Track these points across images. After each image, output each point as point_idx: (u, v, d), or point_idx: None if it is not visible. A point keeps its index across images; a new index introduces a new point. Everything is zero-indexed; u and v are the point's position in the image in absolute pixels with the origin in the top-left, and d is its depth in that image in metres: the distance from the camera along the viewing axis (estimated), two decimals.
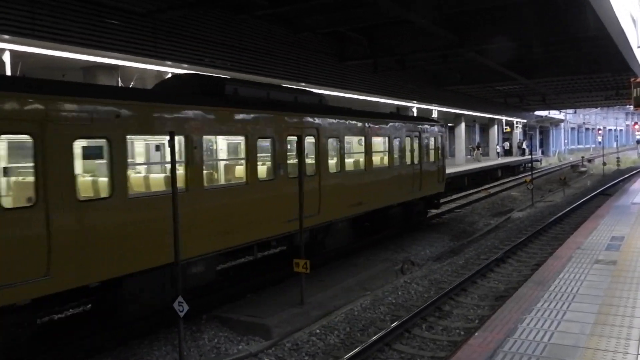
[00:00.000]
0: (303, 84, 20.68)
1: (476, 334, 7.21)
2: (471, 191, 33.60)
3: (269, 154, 11.91)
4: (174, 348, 9.02)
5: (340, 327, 10.43)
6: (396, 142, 17.43)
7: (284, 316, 10.47)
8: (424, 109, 34.94)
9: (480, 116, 50.12)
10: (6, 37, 11.89)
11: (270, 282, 12.75)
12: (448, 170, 33.72)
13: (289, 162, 12.27)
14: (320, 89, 22.37)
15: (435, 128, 20.77)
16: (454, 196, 30.88)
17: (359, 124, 15.40)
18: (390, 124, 17.28)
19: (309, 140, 12.93)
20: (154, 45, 14.75)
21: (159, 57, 14.92)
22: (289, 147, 12.40)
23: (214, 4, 15.16)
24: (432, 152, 20.20)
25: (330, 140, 13.85)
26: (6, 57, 12.59)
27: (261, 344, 9.58)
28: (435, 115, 37.52)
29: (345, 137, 14.61)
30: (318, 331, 10.18)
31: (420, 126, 19.23)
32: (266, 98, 12.38)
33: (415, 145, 18.71)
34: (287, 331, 10.02)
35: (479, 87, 36.42)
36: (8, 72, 12.70)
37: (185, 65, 15.86)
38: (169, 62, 15.44)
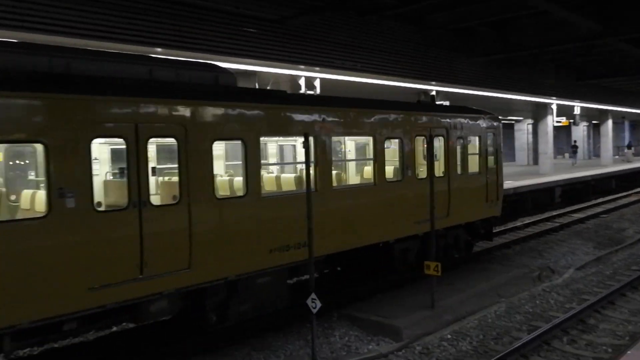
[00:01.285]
0: (433, 83, 20.30)
1: (628, 352, 6.57)
2: (619, 195, 30.69)
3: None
4: (306, 343, 9.30)
5: (472, 334, 10.06)
6: (381, 146, 11.27)
7: (414, 318, 10.34)
8: (564, 105, 32.53)
9: (631, 112, 45.60)
10: (158, 49, 13.09)
11: (397, 283, 12.65)
12: (592, 172, 30.98)
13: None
14: (450, 87, 21.80)
15: (481, 123, 14.26)
16: (599, 200, 28.43)
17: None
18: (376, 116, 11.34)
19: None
20: (287, 50, 15.35)
21: (292, 62, 15.49)
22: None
23: (342, 6, 15.42)
24: (472, 159, 13.83)
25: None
26: None
27: (391, 345, 9.55)
28: (577, 111, 34.78)
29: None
30: (449, 336, 9.92)
31: (442, 119, 12.89)
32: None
33: (438, 149, 12.98)
34: (418, 334, 9.88)
35: (626, 79, 33.15)
36: None
37: (317, 69, 16.30)
38: (302, 67, 15.96)
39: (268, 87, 17.58)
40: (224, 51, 14.01)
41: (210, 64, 10.65)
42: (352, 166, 12.68)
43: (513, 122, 46.93)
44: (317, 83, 17.35)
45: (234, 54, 14.23)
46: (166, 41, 13.04)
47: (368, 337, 9.89)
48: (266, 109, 9.23)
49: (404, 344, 9.51)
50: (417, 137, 12.29)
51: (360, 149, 12.87)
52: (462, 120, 13.61)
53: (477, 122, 14.24)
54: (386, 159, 11.48)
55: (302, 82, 17.01)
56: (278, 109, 9.47)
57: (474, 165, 14.00)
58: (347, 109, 10.70)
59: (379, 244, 11.49)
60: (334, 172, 10.65)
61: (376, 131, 11.25)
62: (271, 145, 12.59)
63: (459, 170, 13.35)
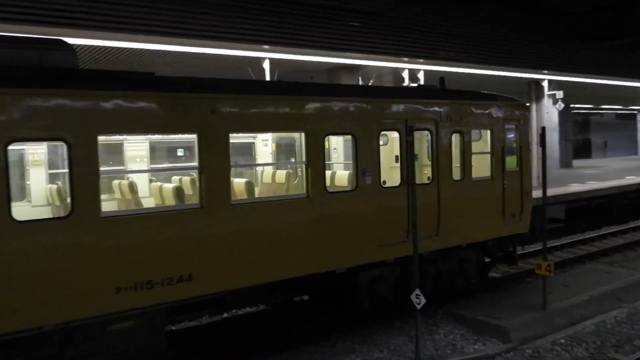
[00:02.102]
0: (545, 72, 19.21)
1: None
2: None
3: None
4: (410, 339, 9.21)
5: (589, 340, 9.43)
6: (319, 145, 8.71)
7: (524, 320, 9.88)
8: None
9: None
10: (266, 47, 13.51)
11: (500, 282, 12.15)
12: None
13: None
14: (563, 76, 20.53)
15: (494, 112, 11.01)
16: None
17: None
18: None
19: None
20: (389, 43, 15.22)
21: (395, 54, 15.33)
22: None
23: None
24: (480, 160, 10.88)
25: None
26: (266, 65, 14.29)
27: (498, 346, 9.20)
28: None
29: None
30: (563, 341, 9.36)
31: (426, 108, 9.95)
32: None
33: (422, 147, 10.79)
34: (527, 336, 9.43)
35: None
36: (267, 78, 14.41)
37: (421, 60, 16.01)
38: (405, 59, 15.76)
39: (371, 82, 17.56)
40: (326, 46, 14.18)
41: (36, 38, 7.86)
42: (271, 173, 10.30)
43: (636, 112, 43.22)
44: (421, 75, 17.04)
45: (336, 49, 14.35)
46: (271, 38, 13.44)
47: (474, 337, 9.60)
48: (109, 97, 6.75)
49: (512, 346, 9.11)
50: (386, 132, 9.89)
51: (287, 150, 10.70)
52: (463, 108, 10.43)
53: (488, 110, 10.94)
54: (330, 162, 9.86)
55: (405, 74, 16.79)
56: (130, 97, 6.93)
57: (482, 168, 10.86)
58: (257, 97, 8.13)
59: (328, 273, 8.85)
60: (236, 181, 8.91)
61: (309, 125, 8.44)
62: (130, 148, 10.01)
63: (456, 175, 10.35)
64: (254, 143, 10.99)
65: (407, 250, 9.11)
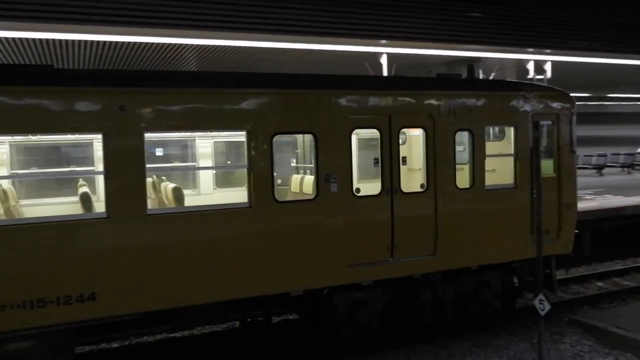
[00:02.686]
0: None
1: None
2: None
3: None
4: (532, 346, 8.68)
5: None
6: (265, 146, 7.48)
7: None
8: None
9: None
10: (383, 41, 13.41)
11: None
12: None
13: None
14: None
15: (519, 105, 9.18)
16: None
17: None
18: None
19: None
20: (513, 33, 14.42)
21: (520, 45, 14.52)
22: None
23: None
24: (499, 165, 9.52)
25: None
26: (383, 60, 14.20)
27: None
28: None
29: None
30: None
31: (418, 101, 8.46)
32: None
33: (412, 148, 9.72)
34: None
35: None
36: (385, 73, 14.30)
37: (548, 51, 15.02)
38: (530, 49, 14.87)
39: (492, 75, 16.78)
40: (446, 38, 13.76)
41: None
42: (210, 178, 9.48)
43: None
44: (547, 67, 15.98)
45: (456, 41, 13.88)
46: (388, 33, 13.30)
47: (605, 350, 8.81)
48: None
49: None
50: (361, 130, 8.89)
51: (228, 152, 9.72)
52: (471, 101, 8.75)
53: (511, 103, 9.08)
54: (281, 165, 8.97)
55: (530, 66, 15.84)
56: (20, 93, 6.31)
57: (502, 174, 9.37)
58: (181, 90, 7.09)
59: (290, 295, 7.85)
60: (165, 187, 8.16)
61: (253, 123, 7.32)
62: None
63: (461, 182, 8.79)
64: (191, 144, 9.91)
65: (389, 271, 8.18)
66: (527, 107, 9.19)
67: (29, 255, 6.27)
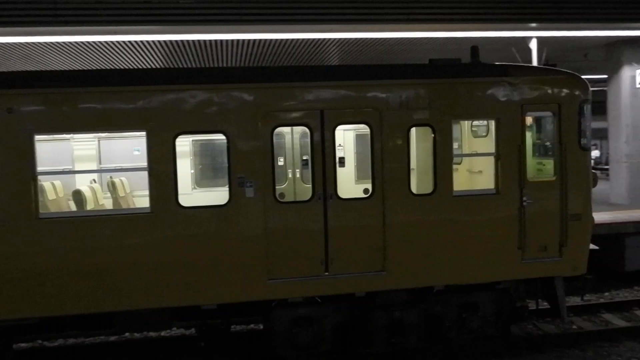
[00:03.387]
0: None
1: None
2: None
3: None
4: None
5: None
6: (167, 147, 7.13)
7: None
8: None
9: None
10: (533, 25, 12.55)
11: None
12: None
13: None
14: None
15: (503, 92, 7.77)
16: None
17: None
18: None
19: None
20: None
21: None
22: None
23: None
24: (475, 166, 8.79)
25: None
26: (533, 45, 13.32)
27: None
28: None
29: None
30: None
31: (359, 93, 7.55)
32: None
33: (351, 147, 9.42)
34: None
35: None
36: (534, 59, 13.41)
37: None
38: None
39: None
40: (605, 18, 12.52)
41: None
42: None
43: None
44: None
45: (617, 20, 12.57)
46: (537, 16, 12.41)
47: None
48: None
49: None
50: (284, 128, 8.34)
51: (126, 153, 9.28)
52: (432, 90, 7.60)
53: (490, 91, 7.75)
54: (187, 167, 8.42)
55: None
56: None
57: (478, 177, 8.56)
58: (73, 90, 6.92)
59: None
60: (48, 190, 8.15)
61: (153, 122, 6.99)
62: None
63: (420, 188, 7.97)
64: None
65: (324, 287, 7.41)
66: (515, 96, 7.74)
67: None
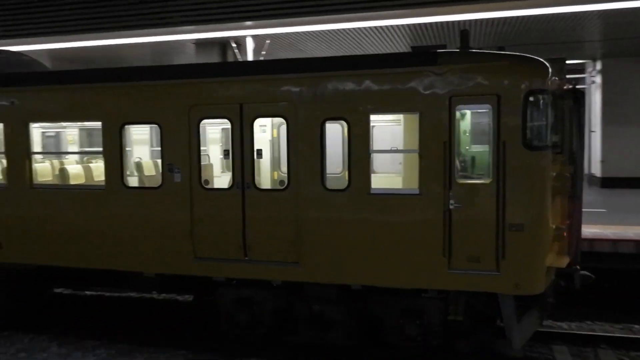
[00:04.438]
0: None
1: None
2: None
3: None
4: None
5: None
6: None
7: None
8: None
9: None
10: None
11: None
12: None
13: None
14: None
15: (429, 82, 6.51)
16: None
17: None
18: None
19: None
20: None
21: None
22: None
23: None
24: (404, 163, 8.02)
25: None
26: None
27: None
28: None
29: None
30: None
31: (290, 87, 7.18)
32: None
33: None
34: None
35: None
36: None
37: None
38: None
39: None
40: None
41: None
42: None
43: None
44: None
45: None
46: None
47: None
48: None
49: None
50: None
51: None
52: (349, 83, 7.04)
53: (412, 83, 6.81)
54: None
55: None
56: None
57: (400, 175, 8.19)
58: (50, 87, 8.62)
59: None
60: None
61: (107, 114, 8.12)
62: None
63: (335, 183, 7.57)
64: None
65: (243, 271, 7.70)
66: (441, 87, 6.76)
67: None
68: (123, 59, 16.36)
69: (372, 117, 7.14)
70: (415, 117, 7.00)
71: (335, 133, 7.84)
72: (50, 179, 9.70)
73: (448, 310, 7.33)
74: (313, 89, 7.22)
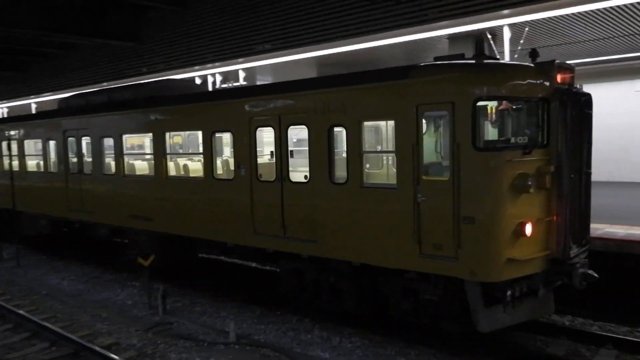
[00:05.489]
0: None
1: None
2: None
3: None
4: None
5: None
6: None
7: None
8: None
9: None
10: None
11: None
12: None
13: None
14: None
15: (400, 93, 8.18)
16: None
17: None
18: None
19: None
20: None
21: None
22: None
23: None
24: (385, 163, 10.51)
25: None
26: None
27: None
28: None
29: None
30: None
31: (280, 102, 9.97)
32: None
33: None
34: None
35: None
36: None
37: None
38: None
39: None
40: None
41: None
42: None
43: None
44: None
45: None
46: None
47: None
48: None
49: None
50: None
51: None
52: (345, 95, 8.79)
53: (390, 93, 8.27)
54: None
55: None
56: None
57: (384, 173, 10.25)
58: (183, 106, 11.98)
59: None
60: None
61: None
62: None
63: (338, 178, 9.10)
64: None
65: (283, 245, 9.85)
66: (410, 98, 7.93)
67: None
68: (379, 59, 17.14)
69: (366, 124, 8.70)
70: (392, 123, 8.36)
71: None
72: (175, 173, 12.53)
73: (428, 291, 8.26)
74: (323, 102, 8.97)
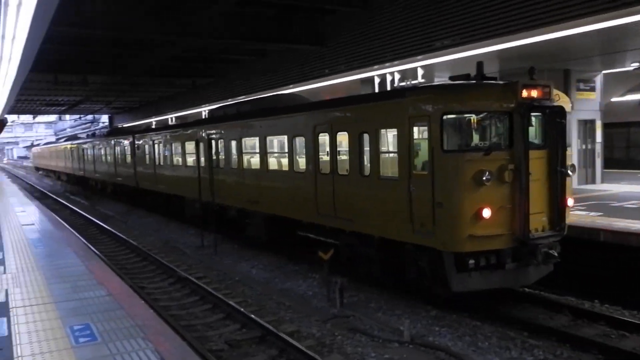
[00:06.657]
0: None
1: None
2: None
3: None
4: None
5: None
6: None
7: None
8: None
9: None
10: None
11: None
12: None
13: None
14: None
15: (401, 108, 10.83)
16: None
17: None
18: None
19: None
20: None
21: None
22: None
23: None
24: (392, 161, 11.73)
25: None
26: None
27: None
28: None
29: None
30: None
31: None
32: None
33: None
34: None
35: None
36: None
37: None
38: None
39: None
40: None
41: None
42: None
43: None
44: None
45: None
46: None
47: None
48: None
49: None
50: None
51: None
52: (364, 110, 12.04)
53: (394, 109, 11.14)
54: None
55: None
56: None
57: (392, 169, 11.32)
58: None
59: None
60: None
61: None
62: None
63: (366, 172, 11.92)
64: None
65: (336, 222, 12.81)
66: (406, 112, 10.45)
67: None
68: (567, 50, 15.75)
69: (382, 131, 11.22)
70: (395, 131, 10.83)
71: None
72: (272, 167, 15.75)
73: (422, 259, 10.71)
74: (355, 114, 12.17)
